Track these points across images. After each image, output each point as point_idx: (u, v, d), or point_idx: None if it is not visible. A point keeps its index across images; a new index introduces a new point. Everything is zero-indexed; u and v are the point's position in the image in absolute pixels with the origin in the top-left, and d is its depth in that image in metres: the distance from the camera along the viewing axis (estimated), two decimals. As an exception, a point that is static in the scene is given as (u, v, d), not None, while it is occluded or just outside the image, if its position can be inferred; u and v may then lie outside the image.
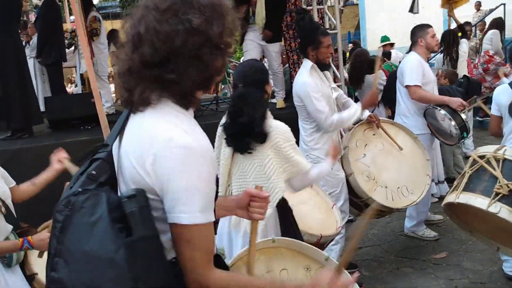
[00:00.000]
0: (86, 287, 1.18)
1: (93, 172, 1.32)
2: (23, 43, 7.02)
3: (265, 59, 6.61)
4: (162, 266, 1.25)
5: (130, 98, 1.33)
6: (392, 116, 5.22)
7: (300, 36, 3.89)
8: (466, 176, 3.03)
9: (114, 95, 7.72)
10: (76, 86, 9.66)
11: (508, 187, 2.80)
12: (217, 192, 1.41)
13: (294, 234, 2.62)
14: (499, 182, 2.81)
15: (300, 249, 2.21)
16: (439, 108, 4.19)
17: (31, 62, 6.95)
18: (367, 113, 4.04)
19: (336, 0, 6.32)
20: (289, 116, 4.09)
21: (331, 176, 3.69)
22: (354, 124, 3.93)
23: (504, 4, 11.18)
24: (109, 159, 1.37)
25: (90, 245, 1.18)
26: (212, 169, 1.30)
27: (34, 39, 7.43)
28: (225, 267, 1.52)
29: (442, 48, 6.19)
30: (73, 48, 7.85)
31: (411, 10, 7.92)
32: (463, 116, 4.19)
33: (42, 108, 5.87)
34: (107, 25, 7.80)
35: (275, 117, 2.75)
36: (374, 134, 4.07)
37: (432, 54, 6.16)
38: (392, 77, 5.47)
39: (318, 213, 3.25)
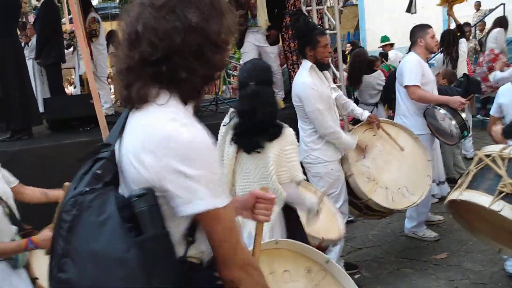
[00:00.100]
0: None
1: (99, 171, 1.30)
2: (22, 44, 7.01)
3: (262, 61, 6.62)
4: (172, 264, 1.25)
5: (129, 96, 1.32)
6: (393, 117, 5.21)
7: (297, 37, 3.88)
8: (470, 174, 3.00)
9: (113, 96, 7.72)
10: (75, 87, 9.66)
11: (512, 185, 2.79)
12: None
13: (301, 237, 2.61)
14: (504, 181, 2.80)
15: (301, 251, 2.22)
16: (438, 108, 4.19)
17: (30, 63, 6.94)
18: (367, 113, 4.03)
19: (335, 1, 6.31)
20: (289, 116, 4.08)
21: (331, 177, 3.69)
22: (354, 125, 3.92)
23: (504, 4, 11.19)
24: (113, 158, 1.36)
25: (99, 244, 1.17)
26: (213, 158, 1.29)
27: (33, 40, 7.42)
28: None
29: (442, 48, 6.19)
30: (72, 49, 7.84)
31: (409, 10, 7.94)
32: (463, 115, 4.18)
33: (41, 109, 5.85)
34: (106, 26, 7.80)
35: (275, 117, 2.75)
36: (374, 135, 4.06)
37: (432, 54, 6.16)
38: (391, 77, 5.47)
39: (321, 219, 3.24)
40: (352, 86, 6.56)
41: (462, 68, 6.19)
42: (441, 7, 7.12)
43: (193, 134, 1.24)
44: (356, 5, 17.47)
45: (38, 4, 6.85)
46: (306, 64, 3.67)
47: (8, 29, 4.97)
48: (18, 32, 6.29)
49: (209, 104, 6.24)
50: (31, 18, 10.54)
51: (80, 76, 7.87)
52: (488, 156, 2.98)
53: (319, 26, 4.87)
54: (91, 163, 1.34)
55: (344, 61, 7.44)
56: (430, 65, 5.21)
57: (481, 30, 12.00)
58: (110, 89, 7.43)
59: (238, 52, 11.66)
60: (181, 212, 1.24)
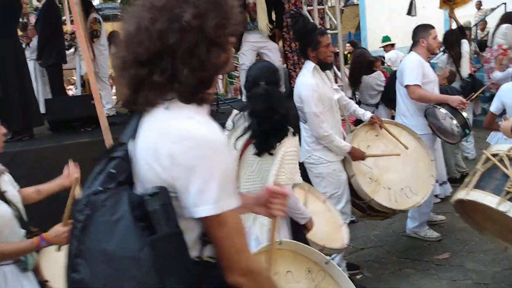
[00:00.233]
0: None
1: (113, 170, 1.30)
2: (23, 45, 7.01)
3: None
4: (185, 264, 1.24)
5: (130, 97, 1.31)
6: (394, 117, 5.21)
7: (298, 39, 3.87)
8: (477, 173, 2.99)
9: (114, 96, 7.72)
10: (76, 88, 9.66)
11: (520, 186, 2.77)
12: None
13: (305, 240, 2.60)
14: (511, 181, 2.78)
15: (302, 251, 2.22)
16: (439, 107, 4.18)
17: (31, 64, 6.94)
18: (369, 114, 4.02)
19: (336, 0, 6.31)
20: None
21: (333, 178, 3.68)
22: (356, 125, 3.91)
23: (505, 4, 11.16)
24: (127, 157, 1.35)
25: (112, 244, 1.16)
26: (229, 157, 1.28)
27: (34, 41, 7.42)
28: None
29: (444, 48, 6.18)
30: (73, 50, 7.85)
31: (409, 12, 7.94)
32: (464, 114, 4.18)
33: (42, 110, 5.86)
34: (107, 27, 7.80)
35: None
36: (376, 135, 4.04)
37: (433, 55, 6.15)
38: (392, 77, 5.46)
39: (326, 227, 3.22)
40: (352, 87, 6.56)
41: (466, 68, 6.19)
42: (443, 8, 7.11)
43: (209, 132, 1.23)
44: (357, 5, 17.45)
45: (39, 5, 6.84)
46: (309, 65, 3.66)
47: (8, 29, 4.96)
48: (20, 33, 6.29)
49: (209, 104, 6.23)
50: (32, 19, 10.54)
51: (81, 76, 7.88)
52: (495, 155, 2.97)
53: (319, 26, 4.86)
54: (106, 162, 1.34)
55: (344, 62, 7.43)
56: (433, 65, 5.21)
57: (482, 30, 11.99)
58: (112, 89, 7.41)
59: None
60: (190, 213, 1.24)
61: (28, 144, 4.77)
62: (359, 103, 5.95)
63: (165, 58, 1.24)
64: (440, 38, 4.90)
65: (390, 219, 4.42)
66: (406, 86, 4.29)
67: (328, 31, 5.11)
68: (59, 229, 2.25)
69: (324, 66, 3.68)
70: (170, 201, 1.22)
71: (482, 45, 11.03)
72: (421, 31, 4.39)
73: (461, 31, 6.58)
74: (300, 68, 4.03)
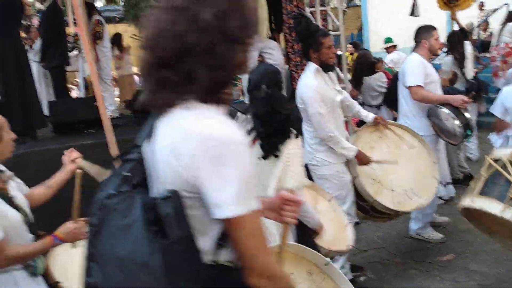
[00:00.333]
0: None
1: (127, 173, 1.29)
2: (26, 47, 7.02)
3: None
4: (197, 268, 1.22)
5: (153, 101, 1.30)
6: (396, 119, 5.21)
7: (301, 40, 3.87)
8: (481, 179, 2.97)
9: (117, 98, 7.73)
10: (79, 90, 9.68)
11: (523, 192, 2.74)
12: None
13: (312, 244, 2.60)
14: None
15: (303, 253, 2.24)
16: (441, 107, 4.18)
17: (34, 66, 6.96)
18: (372, 115, 4.01)
19: (339, 2, 6.31)
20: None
21: (336, 179, 3.68)
22: (359, 126, 3.91)
23: (507, 4, 11.14)
24: (142, 160, 1.34)
25: (124, 248, 1.16)
26: (251, 158, 1.26)
27: (37, 43, 7.44)
28: None
29: (447, 50, 6.17)
30: (76, 52, 7.86)
31: (412, 13, 7.93)
32: (467, 115, 4.17)
33: (46, 112, 5.87)
34: (110, 29, 7.82)
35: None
36: (380, 137, 4.04)
37: (439, 56, 6.14)
38: (395, 78, 5.46)
39: (331, 226, 3.21)
40: (354, 88, 6.57)
41: (470, 70, 6.17)
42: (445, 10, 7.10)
43: (232, 132, 1.22)
44: (359, 6, 17.44)
45: (43, 7, 6.86)
46: (311, 67, 3.66)
47: (8, 29, 4.92)
48: (23, 35, 6.29)
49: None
50: (35, 21, 10.57)
51: (84, 78, 7.89)
52: (497, 160, 2.95)
53: (322, 28, 4.86)
54: (120, 165, 1.33)
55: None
56: (436, 67, 5.20)
57: (484, 30, 11.98)
58: (114, 91, 7.43)
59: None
60: (211, 214, 1.22)
61: (32, 146, 4.78)
62: (362, 104, 5.95)
63: (186, 58, 1.23)
64: (442, 39, 4.90)
65: (394, 220, 4.41)
66: (408, 87, 4.29)
67: (331, 33, 5.10)
68: (70, 226, 2.26)
69: (326, 67, 3.67)
70: (183, 204, 1.21)
71: (485, 46, 11.03)
72: (423, 32, 4.38)
73: (464, 33, 6.57)
74: (302, 70, 4.03)
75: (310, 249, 2.30)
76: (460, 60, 5.98)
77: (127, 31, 9.69)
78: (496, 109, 4.00)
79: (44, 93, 7.33)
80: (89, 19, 6.38)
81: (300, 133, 2.62)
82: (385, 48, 9.25)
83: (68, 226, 2.26)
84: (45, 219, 2.49)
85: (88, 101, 5.77)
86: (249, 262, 1.24)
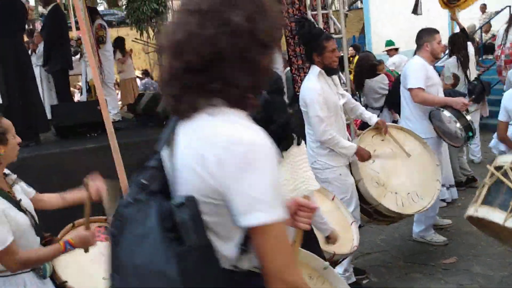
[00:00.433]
0: None
1: (144, 181, 1.27)
2: (29, 52, 7.04)
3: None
4: (215, 275, 1.20)
5: (177, 106, 1.27)
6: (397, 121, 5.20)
7: (304, 43, 3.87)
8: (485, 187, 2.96)
9: (120, 102, 7.75)
10: (81, 94, 9.71)
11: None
12: None
13: (314, 248, 2.59)
14: None
15: (303, 258, 2.25)
16: (442, 109, 4.18)
17: (37, 71, 6.98)
18: (375, 119, 4.01)
19: (340, 5, 6.31)
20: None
21: (340, 182, 3.67)
22: (361, 129, 3.90)
23: (510, 6, 11.14)
24: (161, 166, 1.32)
25: (141, 257, 1.14)
26: (277, 164, 1.22)
27: (40, 47, 7.47)
28: None
29: (449, 51, 6.16)
30: (78, 56, 7.89)
31: (415, 11, 7.89)
32: (468, 117, 4.17)
33: (49, 116, 5.88)
34: (112, 33, 7.85)
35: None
36: (382, 140, 4.03)
37: (442, 58, 6.13)
38: (397, 81, 5.46)
39: (336, 227, 3.19)
40: (356, 90, 6.57)
41: (473, 71, 6.17)
42: (446, 10, 7.09)
43: (258, 137, 1.19)
44: (361, 8, 17.45)
45: (45, 11, 6.88)
46: (314, 70, 3.65)
47: (8, 29, 4.88)
48: (26, 39, 6.30)
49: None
50: (38, 26, 10.61)
51: (87, 82, 7.92)
52: (500, 167, 2.93)
53: (324, 31, 4.86)
54: (139, 173, 1.31)
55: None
56: (438, 70, 5.20)
57: (486, 32, 11.97)
58: (117, 95, 7.44)
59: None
60: (237, 222, 1.19)
61: (35, 150, 4.78)
62: (365, 106, 5.95)
63: (218, 62, 1.20)
64: (444, 40, 4.89)
65: (396, 223, 4.41)
66: (409, 89, 4.29)
67: (333, 36, 5.11)
68: (82, 233, 2.28)
69: (329, 71, 3.67)
70: (199, 211, 1.19)
71: (488, 48, 11.02)
72: (425, 35, 4.38)
73: (465, 34, 6.57)
74: (305, 73, 4.04)
75: (311, 253, 2.30)
76: (463, 61, 5.98)
77: (129, 34, 9.72)
78: (500, 113, 4.00)
79: (47, 97, 7.35)
80: (91, 24, 6.40)
81: (303, 138, 2.60)
82: (387, 51, 9.24)
83: (81, 234, 2.28)
84: (45, 220, 2.49)
85: (90, 104, 5.78)
86: (276, 271, 1.20)
